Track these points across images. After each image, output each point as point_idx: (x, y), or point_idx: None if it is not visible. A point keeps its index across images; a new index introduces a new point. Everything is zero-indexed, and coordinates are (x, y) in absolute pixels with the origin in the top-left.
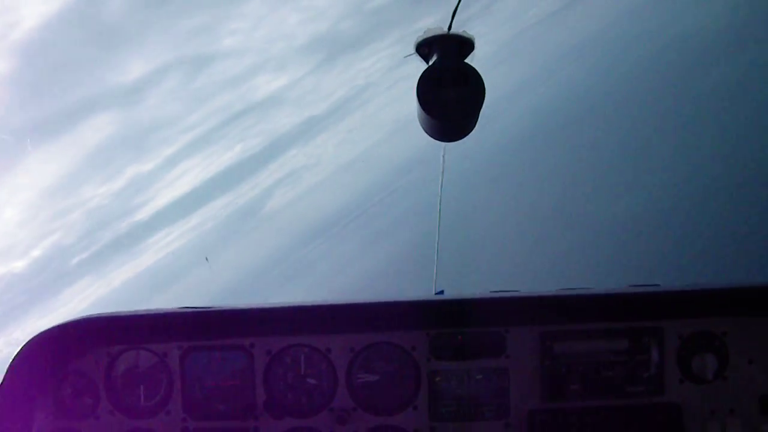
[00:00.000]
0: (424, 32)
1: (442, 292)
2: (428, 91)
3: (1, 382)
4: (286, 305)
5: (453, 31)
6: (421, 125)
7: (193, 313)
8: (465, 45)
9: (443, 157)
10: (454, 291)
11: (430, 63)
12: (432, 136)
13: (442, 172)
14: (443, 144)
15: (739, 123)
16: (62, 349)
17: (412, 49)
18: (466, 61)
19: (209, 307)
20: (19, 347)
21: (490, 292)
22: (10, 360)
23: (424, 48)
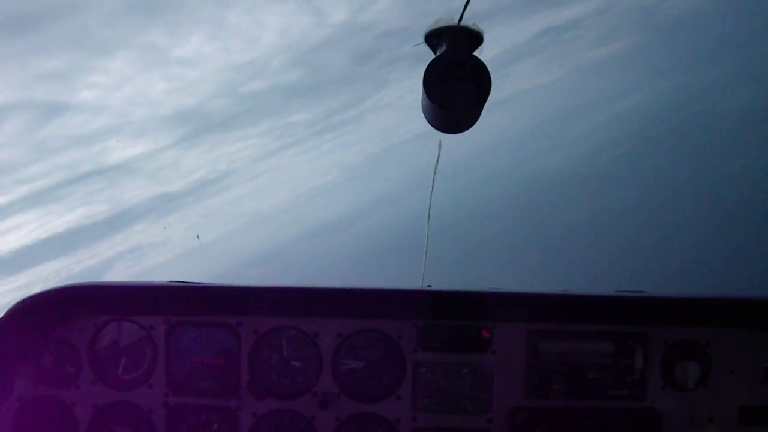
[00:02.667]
0: (435, 22)
1: (429, 287)
2: (435, 80)
3: None
4: (276, 286)
5: (463, 23)
6: (425, 116)
7: (182, 287)
8: (474, 38)
9: (439, 149)
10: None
11: (438, 53)
12: (435, 127)
13: (435, 166)
14: (439, 137)
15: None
16: (47, 315)
17: (420, 39)
18: (474, 54)
19: (199, 283)
20: (4, 311)
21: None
22: None
23: (433, 38)
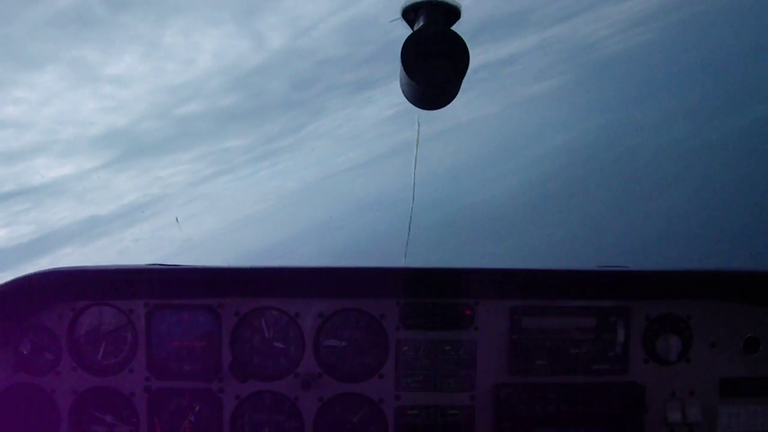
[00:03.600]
0: None
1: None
2: (413, 56)
3: None
4: (256, 267)
5: None
6: (403, 92)
7: (161, 270)
8: (451, 12)
9: (418, 127)
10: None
11: (416, 28)
12: (414, 103)
13: (417, 143)
14: (416, 115)
15: None
16: (25, 302)
17: (397, 14)
18: (452, 28)
19: (178, 266)
20: None
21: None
22: None
23: (410, 13)
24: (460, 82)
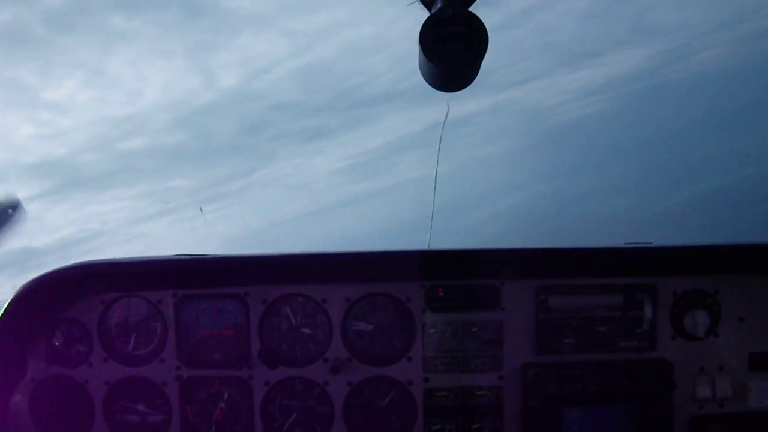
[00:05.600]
0: None
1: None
2: (431, 38)
3: None
4: (282, 254)
5: None
6: (423, 75)
7: (188, 260)
8: None
9: (447, 110)
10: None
11: (433, 11)
12: (433, 86)
13: (443, 127)
14: (447, 97)
15: None
16: (56, 295)
17: None
18: (470, 10)
19: (205, 255)
20: (12, 294)
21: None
22: (3, 307)
23: None
24: (480, 64)
